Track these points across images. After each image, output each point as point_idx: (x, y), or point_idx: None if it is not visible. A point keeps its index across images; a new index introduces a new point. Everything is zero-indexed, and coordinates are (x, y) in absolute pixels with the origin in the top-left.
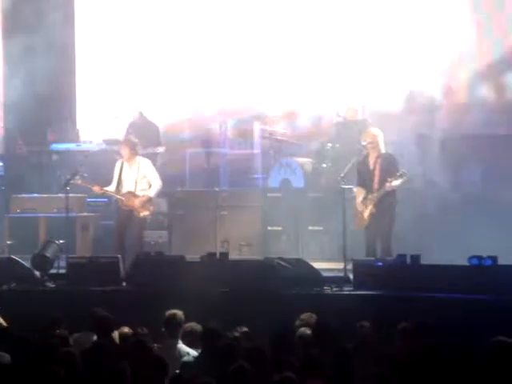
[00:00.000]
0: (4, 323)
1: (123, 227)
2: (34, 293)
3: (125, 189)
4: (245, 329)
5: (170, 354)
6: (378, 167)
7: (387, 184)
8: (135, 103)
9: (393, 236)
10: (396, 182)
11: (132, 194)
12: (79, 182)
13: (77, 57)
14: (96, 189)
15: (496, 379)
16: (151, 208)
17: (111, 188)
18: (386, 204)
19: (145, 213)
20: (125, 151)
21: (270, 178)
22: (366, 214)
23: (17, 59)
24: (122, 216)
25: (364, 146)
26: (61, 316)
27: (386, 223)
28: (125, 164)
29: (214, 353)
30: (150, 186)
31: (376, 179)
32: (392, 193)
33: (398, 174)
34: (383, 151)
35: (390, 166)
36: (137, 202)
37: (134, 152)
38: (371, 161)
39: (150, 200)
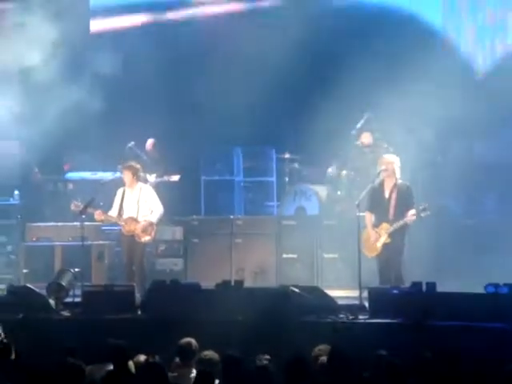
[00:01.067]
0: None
1: (129, 255)
2: (49, 321)
3: (126, 214)
4: (267, 356)
5: (185, 383)
6: (394, 196)
7: (410, 217)
8: (150, 133)
9: (403, 263)
10: (416, 217)
11: (133, 220)
12: (79, 208)
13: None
14: (98, 214)
15: None
16: (152, 233)
17: (113, 214)
18: (398, 234)
19: (146, 238)
20: (127, 177)
21: (285, 206)
22: (380, 243)
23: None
24: (125, 242)
25: (379, 173)
26: (75, 345)
27: (398, 251)
28: (126, 190)
29: (236, 381)
30: (152, 212)
31: (392, 210)
32: (404, 225)
33: (422, 207)
34: (399, 179)
35: (407, 198)
36: (138, 228)
37: (136, 177)
38: (387, 189)
39: (151, 225)
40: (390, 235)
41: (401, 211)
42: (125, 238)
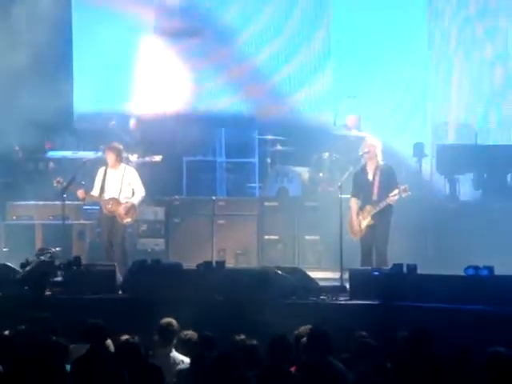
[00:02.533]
0: None
1: (108, 234)
2: (30, 300)
3: (108, 194)
4: (242, 336)
5: (164, 363)
6: (377, 179)
7: (391, 198)
8: (132, 109)
9: (388, 246)
10: (398, 197)
11: (116, 200)
12: (61, 186)
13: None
14: (80, 193)
15: None
16: (134, 215)
17: (94, 193)
18: (383, 216)
19: (127, 219)
20: (110, 157)
21: (267, 187)
22: (363, 224)
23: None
24: (105, 222)
25: (362, 156)
26: (57, 324)
27: (383, 234)
28: (109, 170)
29: (208, 361)
30: (134, 194)
31: (375, 191)
32: (389, 206)
33: (403, 188)
34: (381, 162)
35: (390, 178)
36: (121, 209)
37: (119, 158)
38: (370, 172)
39: (133, 207)
40: (374, 217)
41: (384, 193)
42: (105, 218)
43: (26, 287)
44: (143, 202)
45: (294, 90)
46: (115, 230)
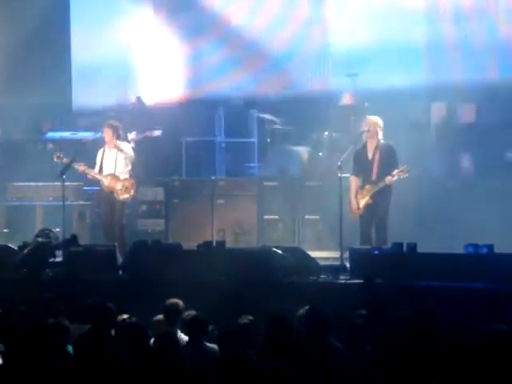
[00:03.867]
0: None
1: (107, 212)
2: (31, 281)
3: (106, 171)
4: (250, 317)
5: None
6: (377, 158)
7: (389, 178)
8: (132, 88)
9: (388, 225)
10: (397, 177)
11: (113, 176)
12: (61, 161)
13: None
14: (80, 167)
15: (491, 367)
16: (132, 191)
17: (95, 170)
18: (382, 195)
19: (125, 196)
20: (107, 134)
21: (267, 167)
22: (362, 203)
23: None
24: (104, 200)
25: (361, 134)
26: (59, 305)
27: (382, 213)
28: (106, 148)
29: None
30: (129, 169)
31: (375, 170)
32: (388, 186)
33: (401, 169)
34: (382, 140)
35: (390, 158)
36: (118, 185)
37: (116, 135)
38: (370, 150)
39: (128, 182)
40: (372, 196)
41: (384, 172)
42: (104, 197)
43: (24, 269)
44: (142, 183)
45: (293, 65)
46: (114, 208)
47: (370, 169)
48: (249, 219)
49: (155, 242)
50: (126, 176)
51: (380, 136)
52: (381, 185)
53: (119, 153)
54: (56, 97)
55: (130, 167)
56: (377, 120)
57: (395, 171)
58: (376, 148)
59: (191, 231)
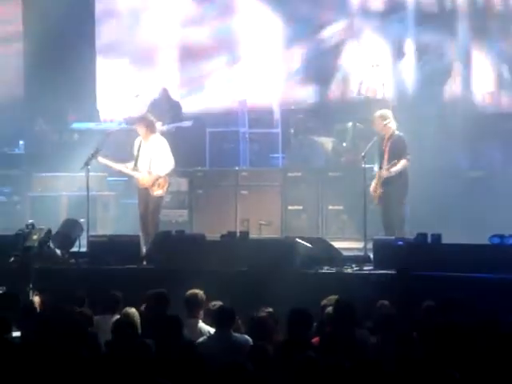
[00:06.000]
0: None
1: (144, 207)
2: (56, 271)
3: (141, 167)
4: (269, 309)
5: (191, 334)
6: (387, 149)
7: (383, 172)
8: (157, 80)
9: (402, 217)
10: (395, 168)
11: (147, 173)
12: (100, 159)
13: (96, 35)
14: (114, 167)
15: None
16: (165, 187)
17: (131, 165)
18: (390, 185)
19: (158, 192)
20: (141, 129)
21: (290, 157)
22: (376, 195)
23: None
24: (141, 195)
25: (385, 125)
26: (83, 295)
27: (393, 202)
28: (142, 142)
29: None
30: (163, 165)
31: (385, 161)
32: (397, 176)
33: (393, 162)
34: (396, 131)
35: (397, 148)
36: (150, 181)
37: (150, 130)
38: (384, 141)
39: (163, 179)
40: (382, 185)
41: (392, 162)
42: (140, 191)
43: None
44: (171, 175)
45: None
46: (148, 203)
47: (383, 159)
48: (272, 210)
49: (179, 233)
50: (158, 172)
51: (393, 126)
52: (384, 175)
53: (155, 149)
54: (81, 88)
55: (165, 161)
56: (380, 114)
57: (387, 165)
58: (388, 139)
59: (215, 222)
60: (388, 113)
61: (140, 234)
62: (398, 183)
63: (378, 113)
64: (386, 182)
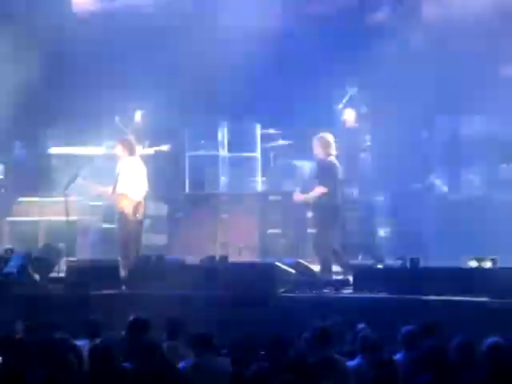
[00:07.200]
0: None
1: (123, 231)
2: (33, 297)
3: (118, 190)
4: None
5: (172, 357)
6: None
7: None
8: (136, 104)
9: (324, 246)
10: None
11: (124, 196)
12: (80, 181)
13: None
14: (94, 190)
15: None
16: (141, 211)
17: (109, 189)
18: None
19: (134, 217)
20: (120, 151)
21: (270, 181)
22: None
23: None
24: (120, 219)
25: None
26: (61, 320)
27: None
28: (121, 165)
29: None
30: (140, 189)
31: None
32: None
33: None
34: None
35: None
36: (129, 205)
37: (129, 152)
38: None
39: (139, 204)
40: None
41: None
42: (119, 215)
43: None
44: (146, 197)
45: None
46: (128, 226)
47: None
48: (252, 233)
49: (158, 257)
50: (135, 195)
51: (317, 152)
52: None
53: (133, 172)
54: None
55: (140, 184)
56: (315, 139)
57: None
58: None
59: (194, 245)
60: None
61: (119, 258)
62: (319, 210)
63: (316, 138)
64: (312, 207)
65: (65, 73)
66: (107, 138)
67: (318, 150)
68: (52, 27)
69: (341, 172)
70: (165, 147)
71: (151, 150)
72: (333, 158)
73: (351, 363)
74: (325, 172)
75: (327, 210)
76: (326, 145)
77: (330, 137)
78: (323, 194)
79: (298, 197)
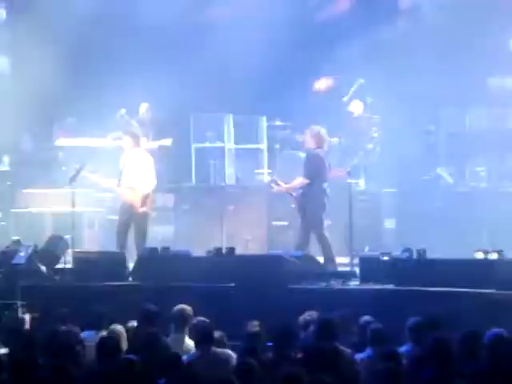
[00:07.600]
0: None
1: (125, 223)
2: (40, 288)
3: (125, 183)
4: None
5: (177, 349)
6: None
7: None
8: (141, 97)
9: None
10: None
11: (131, 189)
12: (86, 174)
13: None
14: (100, 182)
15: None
16: (150, 204)
17: (116, 181)
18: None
19: (143, 209)
20: (126, 142)
21: (276, 173)
22: None
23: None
24: (123, 210)
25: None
26: (67, 312)
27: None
28: (127, 158)
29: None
30: (148, 182)
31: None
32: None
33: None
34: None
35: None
36: (135, 197)
37: (135, 143)
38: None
39: (148, 196)
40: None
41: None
42: (123, 206)
43: None
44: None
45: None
46: (135, 218)
47: None
48: (258, 225)
49: (164, 249)
50: (143, 188)
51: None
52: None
53: (140, 165)
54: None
55: (148, 177)
56: (306, 131)
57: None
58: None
59: (201, 238)
60: (321, 131)
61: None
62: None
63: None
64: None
65: (75, 66)
66: (113, 130)
67: (308, 140)
68: (65, 23)
69: (328, 167)
70: (168, 141)
71: (155, 145)
72: (320, 151)
73: (360, 355)
74: (309, 162)
75: (309, 201)
76: (318, 137)
77: (323, 131)
78: (303, 185)
79: (279, 188)
